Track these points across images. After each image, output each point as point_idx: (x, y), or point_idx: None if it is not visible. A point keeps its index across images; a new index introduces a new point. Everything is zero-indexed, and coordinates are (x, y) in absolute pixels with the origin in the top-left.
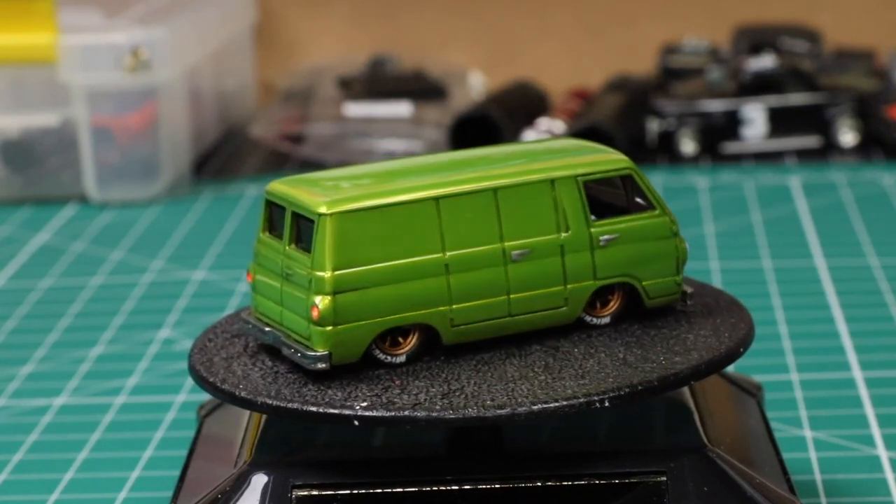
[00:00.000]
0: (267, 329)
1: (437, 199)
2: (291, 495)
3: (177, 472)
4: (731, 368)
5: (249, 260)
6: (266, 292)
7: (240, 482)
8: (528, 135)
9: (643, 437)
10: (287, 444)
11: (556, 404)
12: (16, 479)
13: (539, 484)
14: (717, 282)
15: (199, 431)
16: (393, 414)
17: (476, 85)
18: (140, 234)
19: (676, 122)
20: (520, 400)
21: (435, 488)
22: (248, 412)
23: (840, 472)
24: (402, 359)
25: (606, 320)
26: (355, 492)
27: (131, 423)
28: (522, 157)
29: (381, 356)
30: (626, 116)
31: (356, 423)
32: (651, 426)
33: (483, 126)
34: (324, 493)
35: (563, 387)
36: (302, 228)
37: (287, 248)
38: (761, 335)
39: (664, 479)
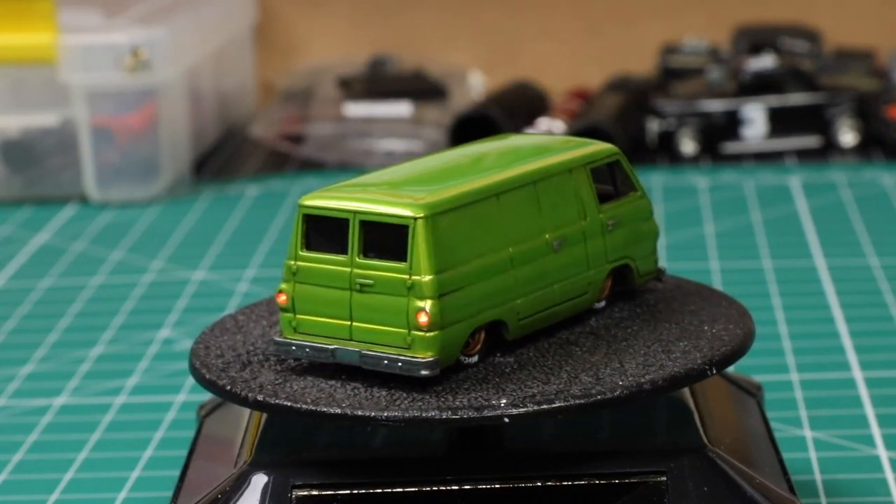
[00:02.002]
0: (330, 347)
1: (498, 194)
2: (291, 495)
3: (177, 472)
4: (731, 369)
5: (249, 259)
6: (321, 310)
7: (240, 482)
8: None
9: (643, 437)
10: (287, 444)
11: (682, 376)
12: (16, 479)
13: (539, 484)
14: (717, 282)
15: (199, 431)
16: (545, 406)
17: (476, 85)
18: (140, 234)
19: (676, 122)
20: (646, 377)
21: (435, 488)
22: (248, 410)
23: (840, 472)
24: (475, 359)
25: (603, 304)
26: (355, 492)
27: (131, 423)
28: (521, 152)
29: (461, 357)
30: (626, 116)
31: (507, 420)
32: (651, 426)
33: (483, 126)
34: (324, 493)
35: (666, 361)
36: (372, 236)
37: (356, 259)
38: (761, 335)
39: (664, 479)
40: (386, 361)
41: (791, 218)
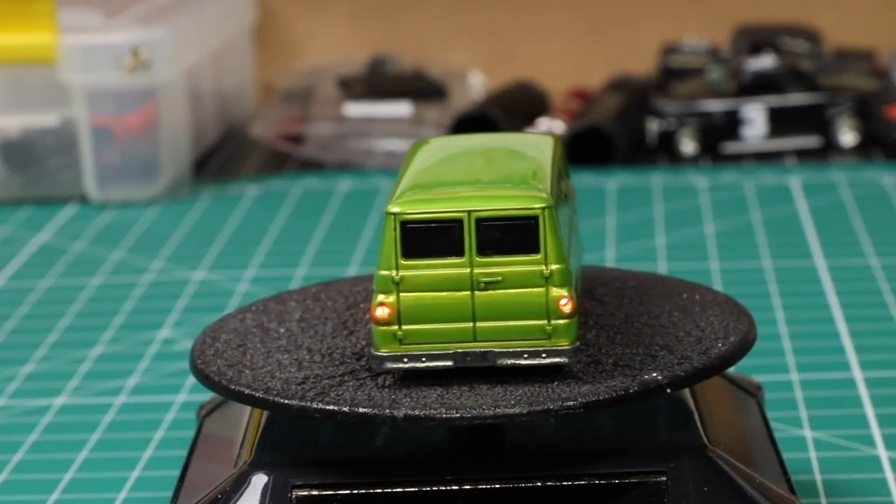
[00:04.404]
0: (451, 352)
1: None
2: (291, 495)
3: (177, 472)
4: (731, 369)
5: (249, 259)
6: (435, 316)
7: (240, 482)
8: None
9: (643, 437)
10: (287, 444)
11: (749, 335)
12: (16, 479)
13: (539, 484)
14: (717, 282)
15: (199, 431)
16: (693, 373)
17: (476, 85)
18: (140, 234)
19: (676, 122)
20: (731, 339)
21: (435, 488)
22: (248, 410)
23: (840, 472)
24: None
25: None
26: (355, 492)
27: (131, 423)
28: (510, 146)
29: None
30: (626, 116)
31: (668, 391)
32: (651, 426)
33: (483, 126)
34: (324, 493)
35: (716, 326)
36: (491, 233)
37: (475, 258)
38: (761, 335)
39: (664, 479)
40: (526, 355)
41: (791, 218)
